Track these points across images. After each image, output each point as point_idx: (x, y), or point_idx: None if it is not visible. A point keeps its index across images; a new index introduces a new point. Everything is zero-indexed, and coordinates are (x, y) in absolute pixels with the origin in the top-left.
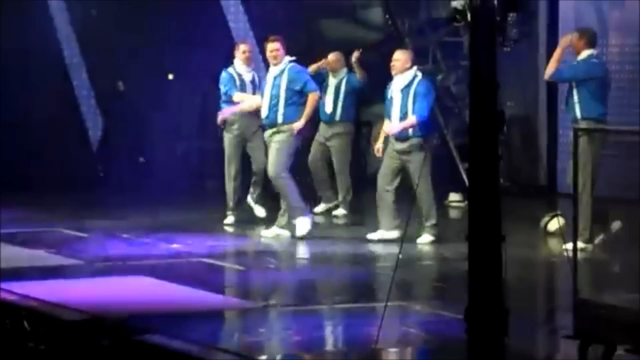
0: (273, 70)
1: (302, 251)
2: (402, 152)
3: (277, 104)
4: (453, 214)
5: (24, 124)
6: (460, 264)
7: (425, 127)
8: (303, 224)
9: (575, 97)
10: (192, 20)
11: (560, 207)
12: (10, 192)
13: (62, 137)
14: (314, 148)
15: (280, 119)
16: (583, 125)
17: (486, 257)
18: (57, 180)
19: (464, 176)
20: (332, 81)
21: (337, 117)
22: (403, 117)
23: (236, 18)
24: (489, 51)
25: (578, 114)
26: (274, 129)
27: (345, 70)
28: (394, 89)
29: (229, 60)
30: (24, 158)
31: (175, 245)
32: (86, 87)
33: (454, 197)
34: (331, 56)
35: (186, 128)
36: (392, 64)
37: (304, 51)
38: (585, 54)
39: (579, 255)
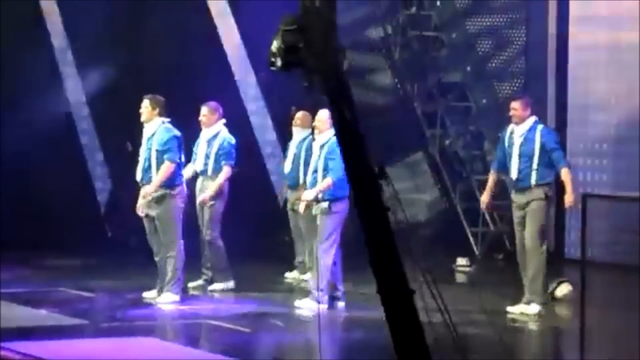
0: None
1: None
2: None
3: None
4: (460, 278)
5: (32, 183)
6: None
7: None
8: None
9: (535, 164)
10: (202, 84)
11: (567, 273)
12: (15, 251)
13: (70, 197)
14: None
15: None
16: (538, 191)
17: (397, 315)
18: (64, 240)
19: (471, 240)
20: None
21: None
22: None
23: (245, 84)
24: (347, 99)
25: (534, 180)
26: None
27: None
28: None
29: (236, 123)
30: (31, 217)
31: (180, 307)
32: (94, 147)
33: (461, 261)
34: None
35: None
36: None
37: (312, 112)
38: (531, 120)
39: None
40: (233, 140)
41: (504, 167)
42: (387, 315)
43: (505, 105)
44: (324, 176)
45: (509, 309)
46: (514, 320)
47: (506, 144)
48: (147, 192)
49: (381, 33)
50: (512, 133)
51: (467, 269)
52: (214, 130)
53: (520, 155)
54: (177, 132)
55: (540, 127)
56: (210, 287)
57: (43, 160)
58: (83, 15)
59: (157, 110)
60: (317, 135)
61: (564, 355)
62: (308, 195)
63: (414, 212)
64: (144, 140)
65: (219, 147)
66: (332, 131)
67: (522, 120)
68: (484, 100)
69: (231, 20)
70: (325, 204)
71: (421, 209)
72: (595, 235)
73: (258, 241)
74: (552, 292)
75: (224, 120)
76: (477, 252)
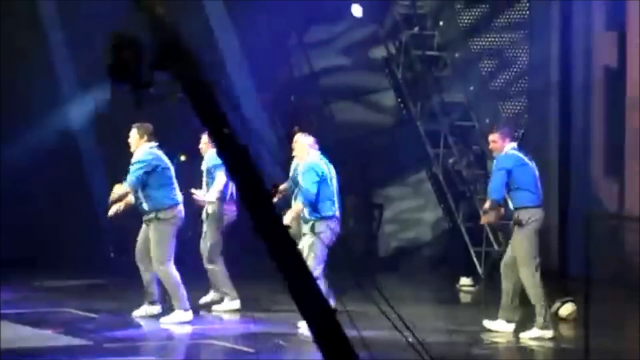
0: None
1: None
2: None
3: None
4: (464, 298)
5: (36, 204)
6: (466, 349)
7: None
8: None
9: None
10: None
11: (572, 292)
12: (18, 272)
13: (74, 219)
14: None
15: None
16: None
17: (322, 335)
18: (68, 261)
19: (475, 260)
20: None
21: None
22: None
23: (248, 104)
24: (218, 113)
25: (510, 205)
26: None
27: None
28: None
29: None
30: (34, 238)
31: (184, 327)
32: (99, 169)
33: (464, 281)
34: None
35: (198, 209)
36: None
37: (316, 132)
38: (509, 148)
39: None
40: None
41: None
42: (313, 335)
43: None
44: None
45: (522, 335)
46: (518, 341)
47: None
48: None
49: (384, 53)
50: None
51: (471, 288)
52: (208, 158)
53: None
54: (151, 156)
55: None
56: (216, 307)
57: (46, 181)
58: (85, 30)
59: (145, 137)
60: (296, 158)
61: None
62: (285, 219)
63: (418, 231)
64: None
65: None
66: (312, 156)
67: (501, 151)
68: (487, 120)
69: (235, 41)
70: (308, 225)
71: (424, 228)
72: (600, 254)
73: (262, 261)
74: (556, 312)
75: None
76: (480, 272)
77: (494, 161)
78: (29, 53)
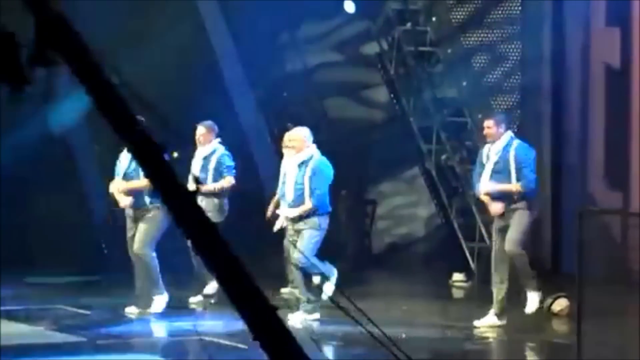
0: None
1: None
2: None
3: None
4: (457, 294)
5: (28, 201)
6: (459, 344)
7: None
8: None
9: (514, 180)
10: (198, 102)
11: (564, 288)
12: (11, 269)
13: (67, 215)
14: None
15: None
16: (520, 203)
17: (264, 334)
18: (61, 257)
19: (468, 255)
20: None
21: None
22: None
23: (241, 101)
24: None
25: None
26: None
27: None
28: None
29: (230, 149)
30: (27, 235)
31: (177, 323)
32: (91, 165)
33: (457, 276)
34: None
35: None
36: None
37: (308, 128)
38: (507, 137)
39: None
40: (230, 157)
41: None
42: (253, 334)
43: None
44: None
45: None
46: (511, 336)
47: (484, 161)
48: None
49: (376, 49)
50: (489, 152)
51: (464, 284)
52: (209, 149)
53: (496, 172)
54: None
55: (515, 143)
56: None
57: (39, 178)
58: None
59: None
60: (292, 153)
61: None
62: (290, 213)
63: (411, 227)
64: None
65: (217, 163)
66: (311, 149)
67: (497, 137)
68: (480, 116)
69: (229, 38)
70: (314, 219)
71: (418, 224)
72: (591, 250)
73: (254, 257)
74: (549, 307)
75: (218, 139)
76: (473, 268)
77: (513, 150)
78: None
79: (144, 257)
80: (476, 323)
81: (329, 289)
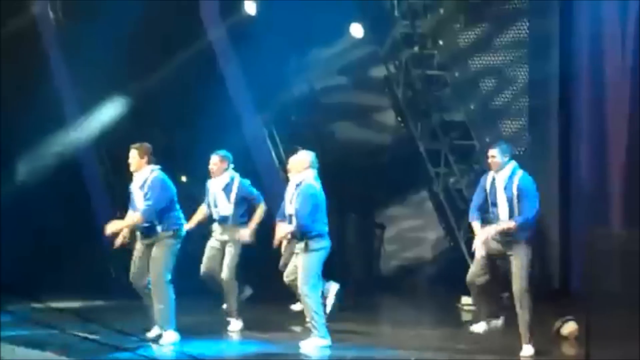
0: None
1: (314, 355)
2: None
3: None
4: (466, 317)
5: (36, 225)
6: None
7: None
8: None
9: (516, 209)
10: (207, 125)
11: (573, 309)
12: (19, 293)
13: (74, 239)
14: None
15: None
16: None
17: None
18: (69, 282)
19: None
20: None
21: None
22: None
23: (249, 121)
24: None
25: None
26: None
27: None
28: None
29: (237, 164)
30: (35, 259)
31: (187, 348)
32: (100, 189)
33: (466, 300)
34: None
35: (198, 227)
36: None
37: (316, 152)
38: (511, 166)
39: None
40: (250, 184)
41: (482, 213)
42: None
43: (509, 142)
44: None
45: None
46: (520, 359)
47: (487, 191)
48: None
49: (384, 72)
50: (493, 180)
51: (472, 307)
52: (226, 178)
53: (505, 201)
54: (165, 182)
55: (520, 173)
56: (230, 328)
57: (47, 201)
58: (88, 59)
59: (146, 158)
60: (292, 175)
61: None
62: (279, 231)
63: (419, 250)
64: (135, 189)
65: (243, 191)
66: (305, 173)
67: (501, 167)
68: (488, 139)
69: (236, 62)
70: (302, 243)
71: (426, 247)
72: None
73: (263, 282)
74: (558, 330)
75: (232, 166)
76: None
77: (519, 182)
78: (31, 80)
79: (161, 288)
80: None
81: (329, 301)
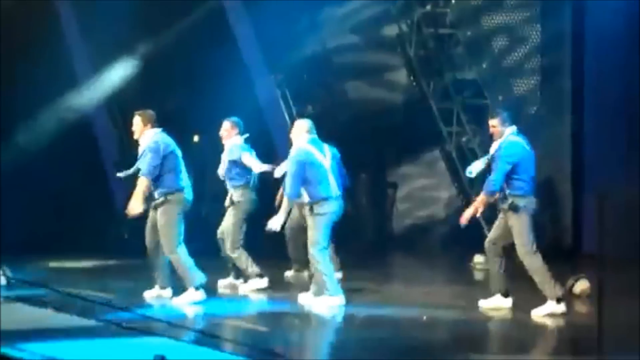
0: None
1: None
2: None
3: None
4: (478, 275)
5: (50, 186)
6: (480, 326)
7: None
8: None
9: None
10: (220, 86)
11: (585, 269)
12: (32, 253)
13: (88, 199)
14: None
15: None
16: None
17: None
18: (82, 242)
19: None
20: None
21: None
22: None
23: (262, 82)
24: None
25: (507, 191)
26: None
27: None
28: None
29: (250, 124)
30: (49, 220)
31: (199, 306)
32: (113, 152)
33: (478, 259)
34: None
35: (212, 189)
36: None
37: (328, 111)
38: (510, 130)
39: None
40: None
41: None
42: None
43: (522, 101)
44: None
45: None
46: (532, 317)
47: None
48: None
49: (396, 31)
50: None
51: (485, 266)
52: (230, 144)
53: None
54: (161, 143)
55: (509, 139)
56: (244, 286)
57: (61, 163)
58: (100, 20)
59: (149, 124)
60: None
61: (583, 352)
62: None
63: (432, 210)
64: (139, 154)
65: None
66: (299, 141)
67: (502, 135)
68: (500, 97)
69: (248, 24)
70: (307, 207)
71: (438, 207)
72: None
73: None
74: (570, 289)
75: (245, 136)
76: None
77: (498, 148)
78: (42, 40)
79: (176, 257)
80: (481, 303)
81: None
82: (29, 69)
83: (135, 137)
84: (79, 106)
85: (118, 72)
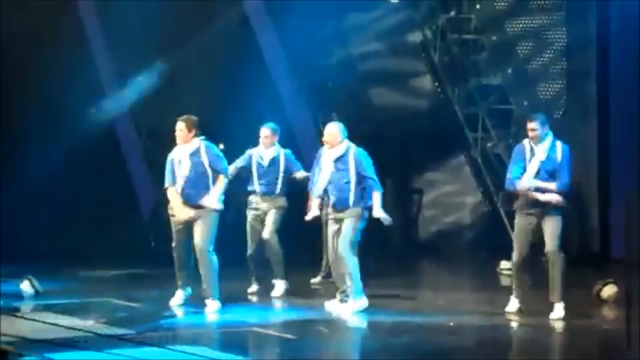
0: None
1: (354, 320)
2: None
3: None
4: (505, 281)
5: (78, 195)
6: (507, 332)
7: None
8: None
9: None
10: (244, 93)
11: (613, 273)
12: (61, 262)
13: (114, 208)
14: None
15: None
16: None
17: None
18: (109, 251)
19: None
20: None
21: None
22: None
23: (287, 92)
24: None
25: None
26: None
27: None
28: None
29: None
30: (76, 229)
31: (225, 315)
32: (138, 156)
33: (505, 264)
34: None
35: (236, 197)
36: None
37: (354, 118)
38: (550, 137)
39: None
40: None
41: None
42: None
43: (547, 106)
44: (367, 188)
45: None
46: (559, 322)
47: (527, 161)
48: (209, 204)
49: (421, 37)
50: (532, 149)
51: (511, 272)
52: (274, 151)
53: (542, 171)
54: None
55: (559, 144)
56: (274, 293)
57: (88, 173)
58: (124, 24)
59: (193, 131)
60: (328, 148)
61: (610, 357)
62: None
63: (458, 215)
64: (184, 158)
65: (287, 163)
66: (345, 144)
67: (542, 139)
68: (525, 102)
69: (273, 30)
70: (358, 209)
71: (464, 212)
72: None
73: (304, 250)
74: (598, 294)
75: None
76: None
77: (561, 152)
78: (66, 47)
79: (206, 255)
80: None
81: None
82: (51, 76)
83: (178, 142)
84: (104, 115)
85: (142, 81)
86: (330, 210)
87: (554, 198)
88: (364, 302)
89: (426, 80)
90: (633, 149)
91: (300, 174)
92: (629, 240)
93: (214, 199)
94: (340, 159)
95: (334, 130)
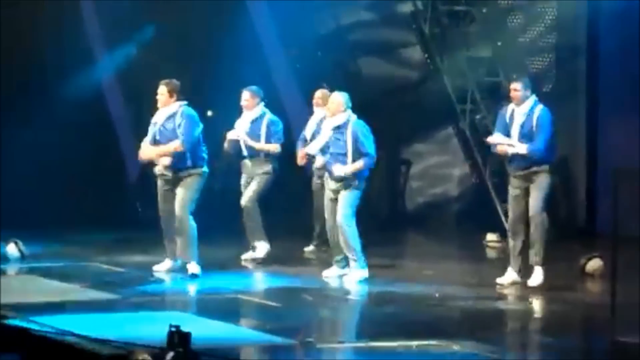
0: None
1: (340, 290)
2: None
3: None
4: (490, 254)
5: (64, 160)
6: (492, 303)
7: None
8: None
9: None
10: (232, 62)
11: (599, 248)
12: (46, 227)
13: (101, 174)
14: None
15: None
16: (543, 165)
17: None
18: (95, 216)
19: (502, 216)
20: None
21: None
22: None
23: (275, 61)
24: None
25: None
26: None
27: None
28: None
29: (269, 102)
30: (62, 193)
31: (210, 281)
32: (125, 121)
33: (491, 237)
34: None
35: (225, 165)
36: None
37: (341, 89)
38: (531, 100)
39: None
40: (278, 123)
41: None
42: None
43: (537, 79)
44: (357, 158)
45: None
46: (544, 296)
47: (507, 122)
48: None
49: (411, 7)
50: (512, 112)
51: (497, 244)
52: (256, 113)
53: (522, 135)
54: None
55: (539, 107)
56: (246, 255)
57: (74, 137)
58: None
59: (175, 95)
60: (329, 117)
61: (595, 330)
62: (344, 169)
63: (445, 187)
64: (159, 122)
65: (266, 127)
66: (346, 114)
67: (523, 101)
68: (515, 75)
69: (263, 2)
70: (356, 180)
71: (451, 184)
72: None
73: (292, 219)
74: (583, 267)
75: (263, 104)
76: (507, 228)
77: (538, 115)
78: (55, 14)
79: (184, 220)
80: (499, 280)
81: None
82: (42, 42)
83: (159, 105)
84: (92, 80)
85: (132, 46)
86: (328, 179)
87: (521, 149)
88: (365, 272)
89: (416, 51)
90: (621, 123)
91: (272, 146)
92: (615, 214)
93: (151, 153)
94: (339, 129)
95: (337, 99)
